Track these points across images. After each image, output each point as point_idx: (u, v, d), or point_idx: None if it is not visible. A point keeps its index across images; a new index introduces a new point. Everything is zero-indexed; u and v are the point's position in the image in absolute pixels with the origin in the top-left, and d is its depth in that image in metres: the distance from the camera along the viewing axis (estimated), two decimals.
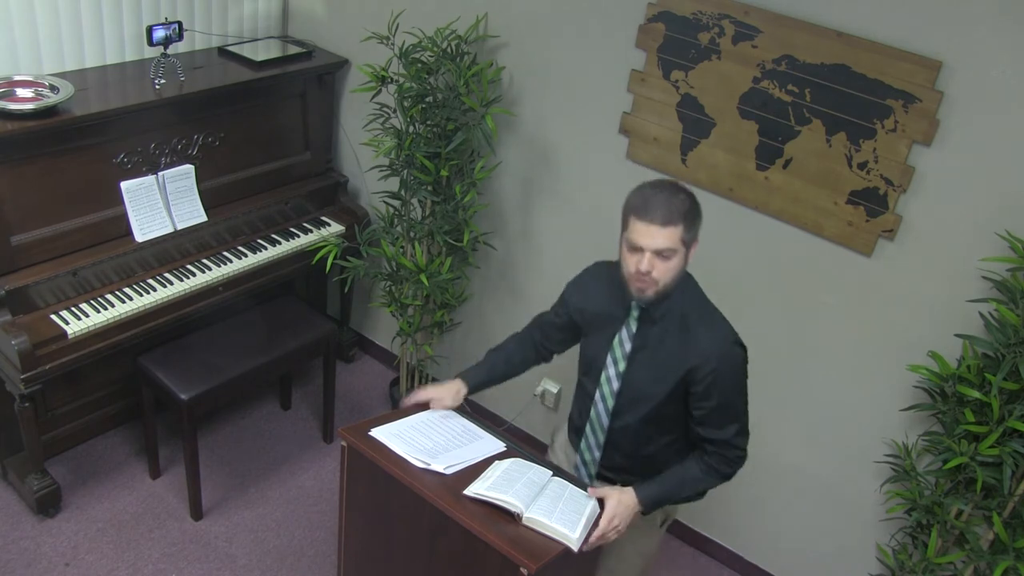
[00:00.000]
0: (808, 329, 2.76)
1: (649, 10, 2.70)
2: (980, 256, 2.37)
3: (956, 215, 2.41)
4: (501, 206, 3.31)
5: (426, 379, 3.59)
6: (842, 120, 2.48)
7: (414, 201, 3.19)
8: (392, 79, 3.04)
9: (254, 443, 3.47)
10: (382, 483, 1.99)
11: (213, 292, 3.08)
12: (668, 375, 2.01)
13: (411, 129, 3.01)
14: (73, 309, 2.77)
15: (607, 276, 2.12)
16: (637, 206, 1.89)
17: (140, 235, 2.95)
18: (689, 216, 1.89)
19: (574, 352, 2.27)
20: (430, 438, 2.07)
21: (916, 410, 2.55)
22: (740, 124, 2.66)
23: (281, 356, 3.12)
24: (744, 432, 2.06)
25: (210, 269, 3.09)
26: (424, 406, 2.22)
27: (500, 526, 1.85)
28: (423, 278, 3.06)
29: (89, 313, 2.78)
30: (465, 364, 2.47)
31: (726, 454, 2.05)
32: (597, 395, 2.12)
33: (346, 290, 3.64)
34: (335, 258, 3.07)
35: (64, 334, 2.70)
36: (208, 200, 3.14)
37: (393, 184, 3.18)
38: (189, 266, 3.08)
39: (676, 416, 2.07)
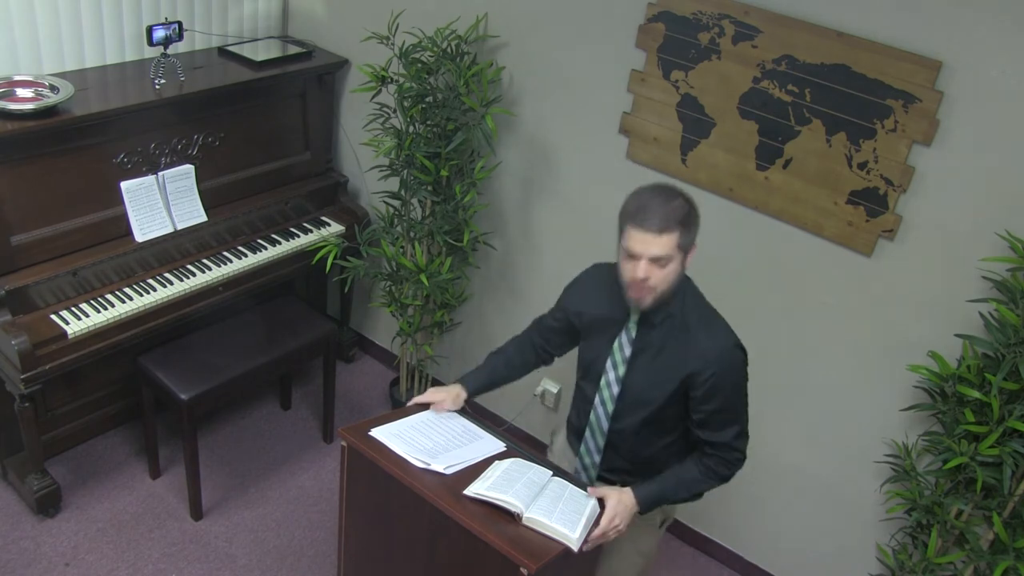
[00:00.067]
0: (808, 329, 2.76)
1: (649, 10, 2.70)
2: (980, 256, 2.37)
3: (956, 215, 2.40)
4: (501, 206, 3.31)
5: (426, 379, 3.59)
6: (842, 120, 2.48)
7: (414, 201, 3.19)
8: (392, 79, 3.04)
9: (254, 443, 3.47)
10: (382, 483, 1.99)
11: (213, 292, 3.08)
12: (668, 379, 2.01)
13: (411, 129, 3.01)
14: (73, 309, 2.77)
15: (606, 279, 2.10)
16: (633, 213, 1.87)
17: (140, 235, 2.96)
18: (685, 222, 1.87)
19: (574, 353, 2.27)
20: (430, 438, 2.07)
21: (916, 410, 2.55)
22: (740, 124, 2.66)
23: (281, 356, 3.12)
24: (744, 435, 2.05)
25: (210, 269, 3.09)
26: (424, 407, 2.22)
27: (500, 526, 1.85)
28: (423, 278, 3.06)
29: (89, 313, 2.78)
30: (465, 364, 2.47)
31: (725, 456, 2.04)
32: (597, 399, 2.12)
33: (346, 290, 3.63)
34: (335, 258, 3.08)
35: (64, 334, 2.70)
36: (208, 200, 3.14)
37: (393, 184, 3.18)
38: (189, 266, 3.08)
39: (676, 419, 2.07)
